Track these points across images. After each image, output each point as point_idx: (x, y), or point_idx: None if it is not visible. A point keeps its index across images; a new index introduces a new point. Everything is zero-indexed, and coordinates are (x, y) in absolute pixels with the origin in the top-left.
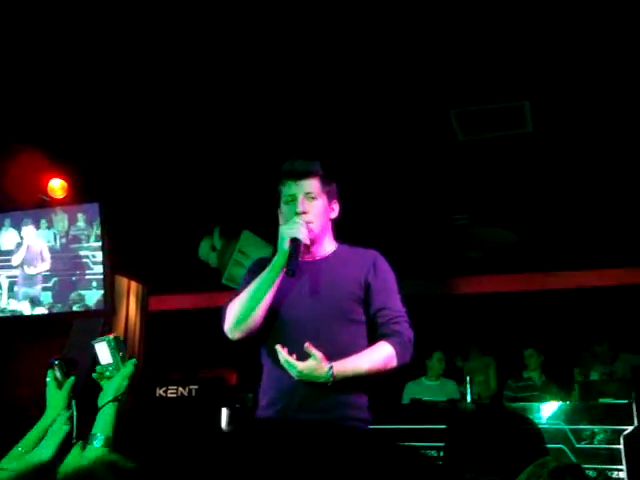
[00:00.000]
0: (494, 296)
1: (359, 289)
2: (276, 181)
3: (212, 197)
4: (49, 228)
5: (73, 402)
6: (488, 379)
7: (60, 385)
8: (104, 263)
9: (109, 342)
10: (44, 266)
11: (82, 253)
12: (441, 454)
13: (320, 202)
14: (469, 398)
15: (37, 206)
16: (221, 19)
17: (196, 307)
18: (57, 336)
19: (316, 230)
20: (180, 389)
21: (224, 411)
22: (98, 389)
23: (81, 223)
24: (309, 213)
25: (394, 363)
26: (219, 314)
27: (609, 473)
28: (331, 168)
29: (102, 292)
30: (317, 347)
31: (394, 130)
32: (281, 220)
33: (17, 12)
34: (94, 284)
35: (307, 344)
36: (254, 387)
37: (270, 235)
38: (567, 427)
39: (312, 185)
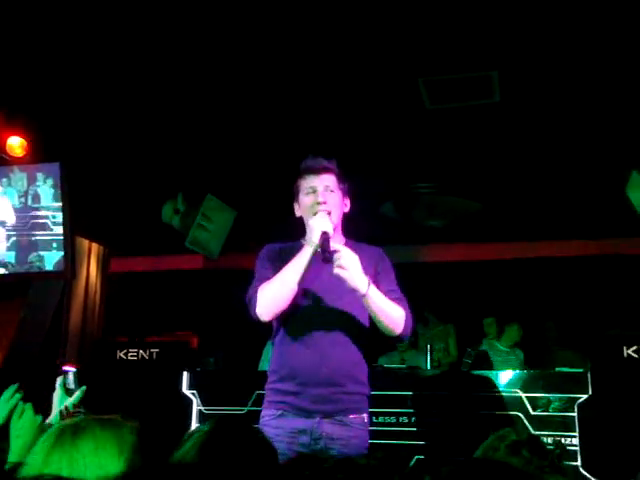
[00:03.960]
0: (455, 265)
1: (373, 271)
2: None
3: (176, 159)
4: (10, 186)
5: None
6: (448, 346)
7: (70, 393)
8: (64, 224)
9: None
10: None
11: (42, 213)
12: (401, 420)
13: (337, 195)
14: (429, 365)
15: None
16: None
17: (159, 269)
18: (15, 297)
19: (334, 220)
20: (141, 352)
21: (185, 374)
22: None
23: (40, 182)
24: (328, 204)
25: (402, 323)
26: (183, 278)
27: (563, 440)
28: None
29: (62, 253)
30: (333, 314)
31: (361, 97)
32: (298, 211)
33: None
34: (54, 245)
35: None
36: (215, 351)
37: (233, 200)
38: (524, 395)
39: (330, 179)
